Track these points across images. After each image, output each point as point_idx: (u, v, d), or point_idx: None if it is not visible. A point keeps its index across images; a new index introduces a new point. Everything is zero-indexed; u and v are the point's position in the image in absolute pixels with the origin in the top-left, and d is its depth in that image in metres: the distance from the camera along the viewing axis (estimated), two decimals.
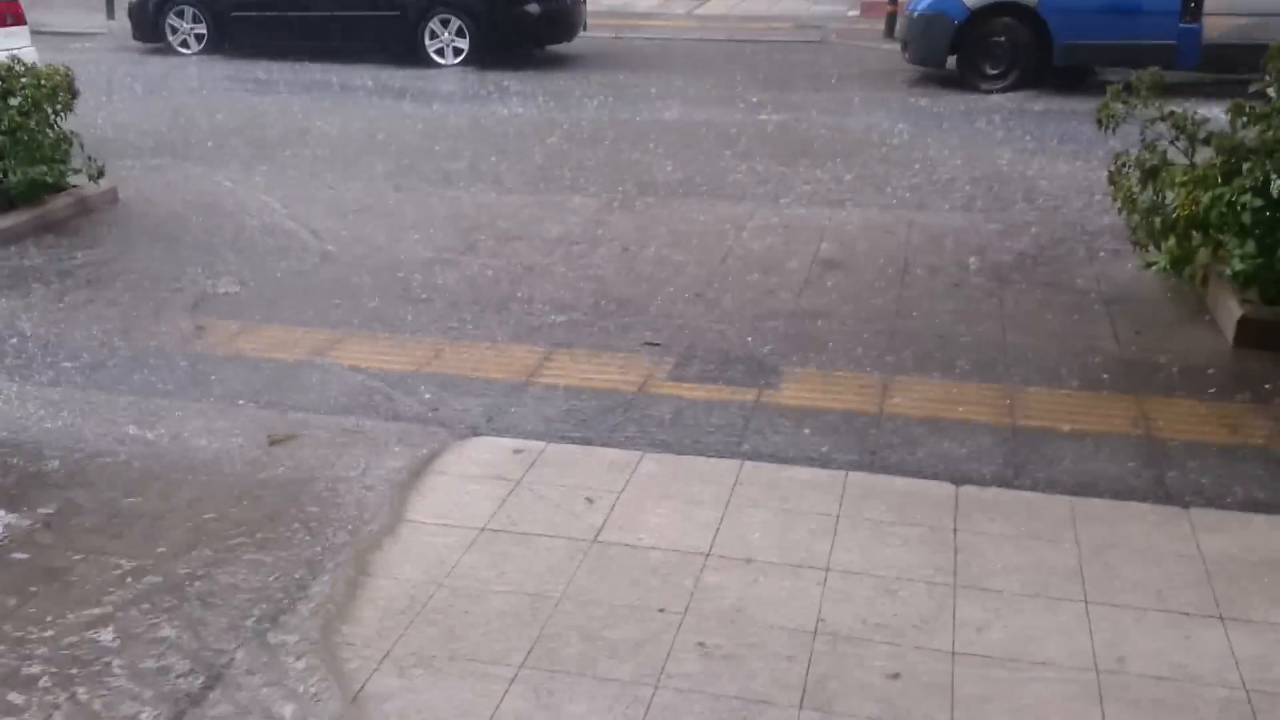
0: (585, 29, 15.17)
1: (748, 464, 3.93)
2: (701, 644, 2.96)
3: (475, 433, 4.14)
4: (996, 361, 4.84)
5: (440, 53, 13.07)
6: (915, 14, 11.98)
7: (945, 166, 8.41)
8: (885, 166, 8.44)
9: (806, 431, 4.21)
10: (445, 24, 13.02)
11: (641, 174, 8.16)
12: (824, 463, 3.97)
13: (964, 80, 11.71)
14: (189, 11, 13.85)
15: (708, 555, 3.37)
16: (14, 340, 4.99)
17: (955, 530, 3.52)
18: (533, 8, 12.98)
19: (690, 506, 3.64)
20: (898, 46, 12.93)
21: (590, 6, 16.45)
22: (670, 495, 3.71)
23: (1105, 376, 4.70)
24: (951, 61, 11.88)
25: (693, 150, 8.95)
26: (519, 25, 13.02)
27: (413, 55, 13.05)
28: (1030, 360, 4.86)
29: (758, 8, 19.95)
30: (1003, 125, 9.97)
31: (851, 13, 18.88)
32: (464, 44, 13.02)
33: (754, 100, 11.21)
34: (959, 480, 3.84)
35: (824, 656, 2.92)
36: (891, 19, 15.01)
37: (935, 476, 3.87)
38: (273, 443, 4.01)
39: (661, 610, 3.10)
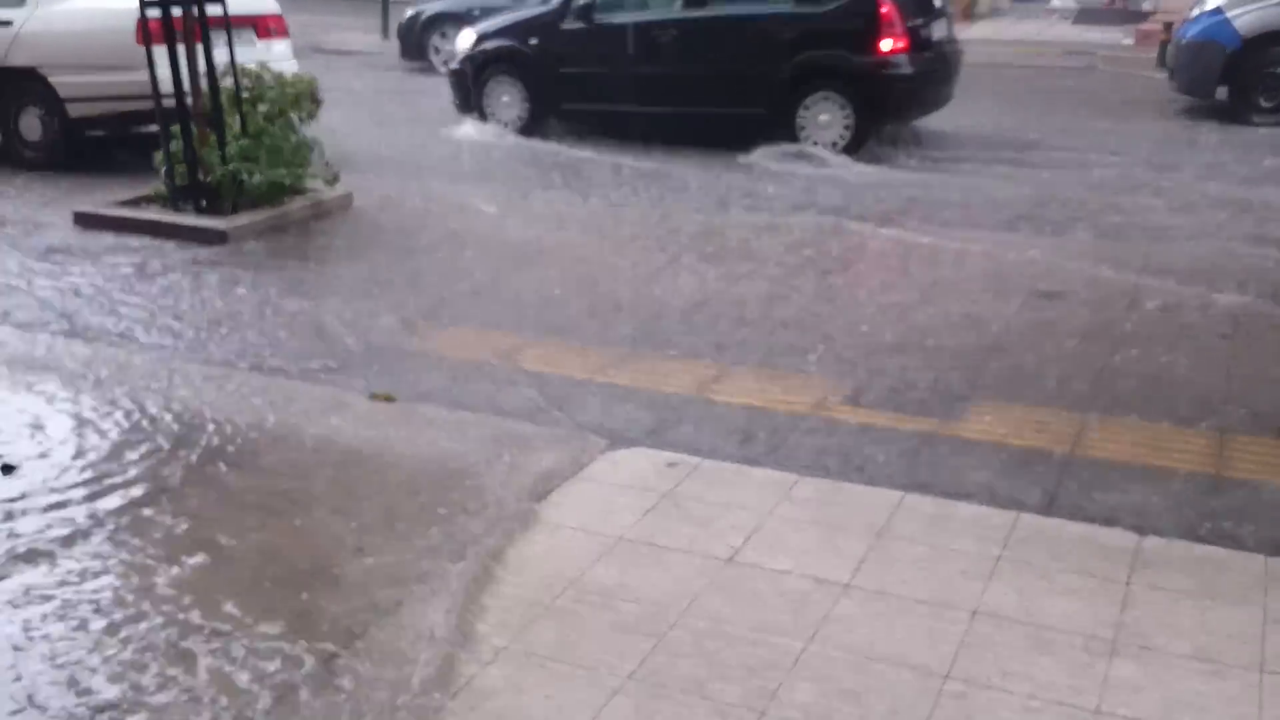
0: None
1: (910, 496, 3.71)
2: (819, 676, 2.80)
3: (634, 443, 4.09)
4: (1214, 408, 4.41)
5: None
6: (1184, 41, 11.23)
7: (1199, 200, 7.79)
8: (1129, 196, 7.90)
9: (982, 468, 3.95)
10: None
11: (866, 196, 7.94)
12: (996, 502, 3.70)
13: (1235, 112, 10.87)
14: (450, 33, 14.56)
15: (846, 586, 3.19)
16: (228, 328, 5.32)
17: (1128, 583, 3.20)
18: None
19: (838, 534, 3.46)
20: (1166, 75, 12.14)
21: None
22: (819, 521, 3.54)
23: None
24: (1222, 92, 11.04)
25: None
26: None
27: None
28: (1252, 409, 4.39)
29: (1027, 32, 19.23)
30: (1274, 160, 9.15)
31: (1126, 40, 17.88)
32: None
33: (1000, 124, 10.76)
34: (1144, 530, 3.50)
35: (951, 703, 2.70)
36: (1164, 47, 14.09)
37: (1117, 525, 3.55)
38: (373, 398, 4.42)
39: (784, 637, 2.95)
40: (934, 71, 9.39)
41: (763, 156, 9.00)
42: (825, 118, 9.04)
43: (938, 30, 9.58)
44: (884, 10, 8.79)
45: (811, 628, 2.99)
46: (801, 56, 8.95)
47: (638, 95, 9.41)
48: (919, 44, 9.07)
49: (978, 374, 4.78)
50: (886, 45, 8.83)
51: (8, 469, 3.84)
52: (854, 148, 8.97)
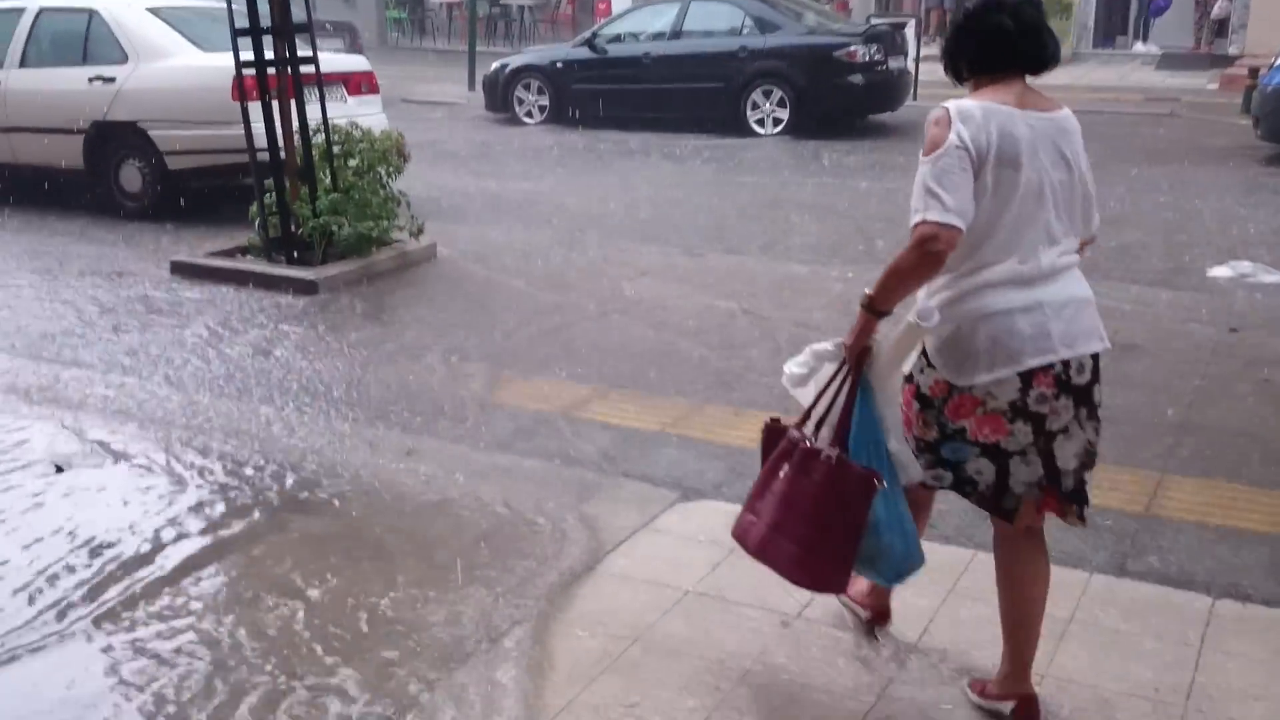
0: (915, 98, 15.01)
1: (980, 554, 3.72)
2: None
3: (705, 496, 4.16)
4: None
5: (761, 123, 13.33)
6: (1269, 88, 11.07)
7: None
8: (1205, 248, 7.81)
9: (1052, 526, 3.93)
10: (767, 95, 13.28)
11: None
12: (1068, 562, 3.70)
13: None
14: (534, 84, 14.87)
15: (914, 646, 3.22)
16: (313, 376, 5.51)
17: (1201, 648, 3.18)
18: (855, 78, 12.99)
19: (908, 592, 3.48)
20: (1250, 123, 11.97)
21: (926, 76, 16.27)
22: None
23: None
24: None
25: None
26: (841, 95, 13.07)
27: (735, 125, 13.39)
28: None
29: (1107, 78, 19.03)
30: None
31: (1210, 86, 17.64)
32: (784, 114, 13.22)
33: None
34: (1218, 593, 3.47)
35: None
36: (1249, 93, 13.88)
37: (1191, 587, 3.53)
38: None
39: (850, 699, 2.99)
40: None
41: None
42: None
43: None
44: None
45: (877, 689, 3.03)
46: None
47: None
48: None
49: None
50: None
51: (59, 469, 4.24)
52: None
